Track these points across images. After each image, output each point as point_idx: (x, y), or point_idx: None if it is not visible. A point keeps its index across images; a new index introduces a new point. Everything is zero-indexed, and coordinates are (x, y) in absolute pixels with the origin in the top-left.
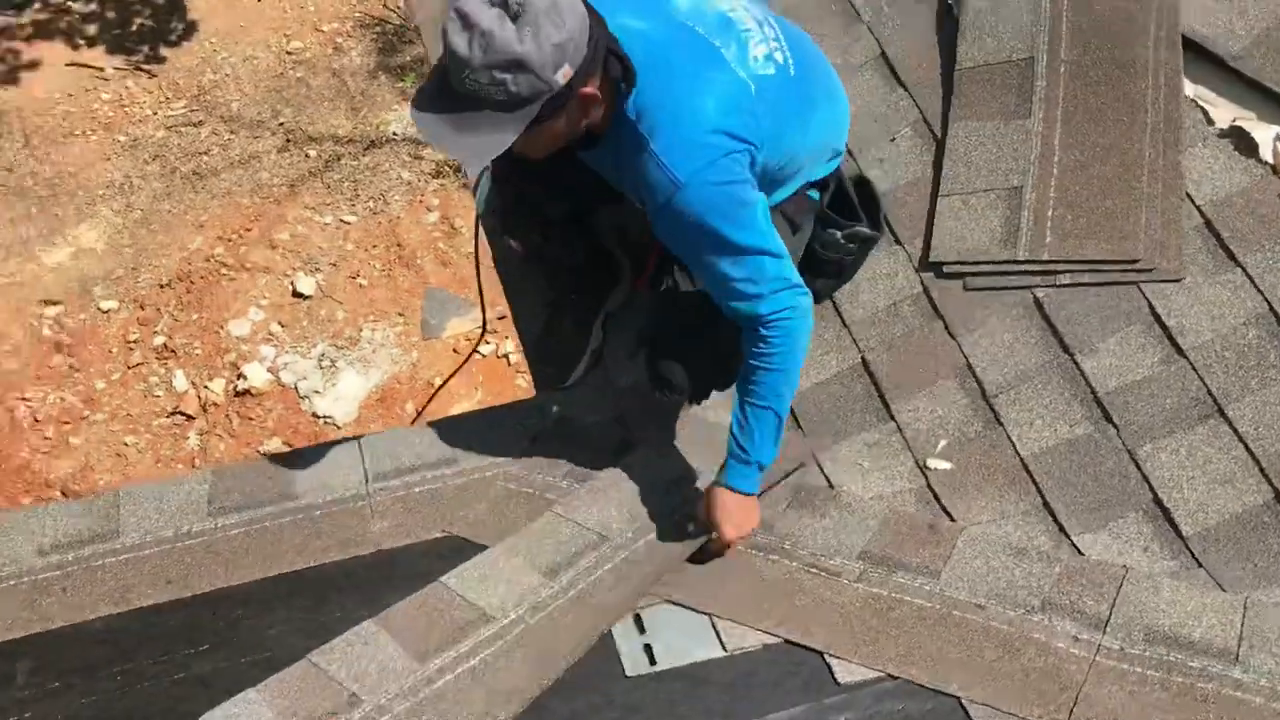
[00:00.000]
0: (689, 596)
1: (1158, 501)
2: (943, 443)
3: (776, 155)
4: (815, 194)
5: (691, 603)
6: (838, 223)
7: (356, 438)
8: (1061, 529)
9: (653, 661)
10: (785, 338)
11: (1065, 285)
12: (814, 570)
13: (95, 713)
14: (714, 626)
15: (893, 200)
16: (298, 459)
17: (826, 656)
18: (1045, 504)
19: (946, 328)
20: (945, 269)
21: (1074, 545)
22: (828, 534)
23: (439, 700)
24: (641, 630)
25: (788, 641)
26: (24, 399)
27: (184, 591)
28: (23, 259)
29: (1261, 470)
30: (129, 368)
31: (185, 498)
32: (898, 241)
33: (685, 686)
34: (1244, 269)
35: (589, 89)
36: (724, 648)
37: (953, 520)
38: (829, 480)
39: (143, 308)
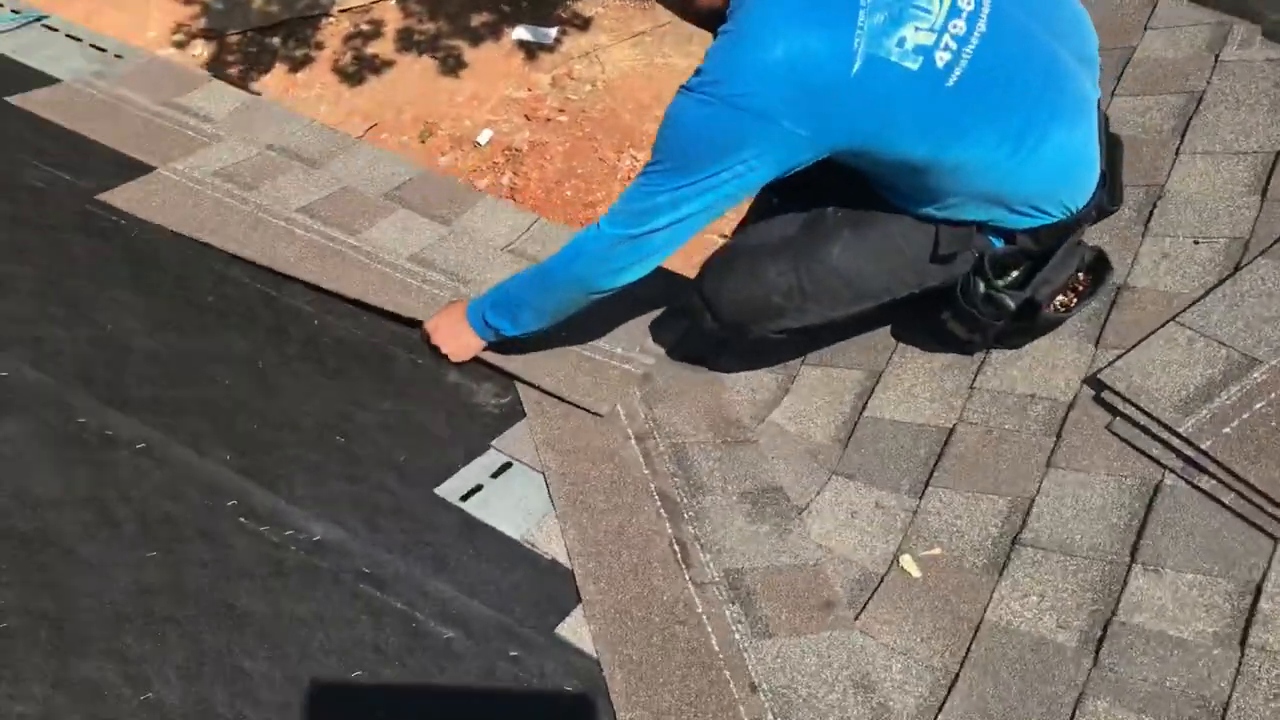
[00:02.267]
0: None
1: None
2: (936, 550)
3: (885, 155)
4: (998, 241)
5: None
6: (986, 274)
7: None
8: None
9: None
10: (572, 245)
11: (1205, 488)
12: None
13: None
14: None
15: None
16: None
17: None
18: None
19: (1051, 450)
20: (1106, 395)
21: None
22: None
23: None
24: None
25: None
26: None
27: None
28: None
29: None
30: None
31: None
32: (1096, 342)
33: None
34: None
35: None
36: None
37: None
38: (796, 504)
39: None
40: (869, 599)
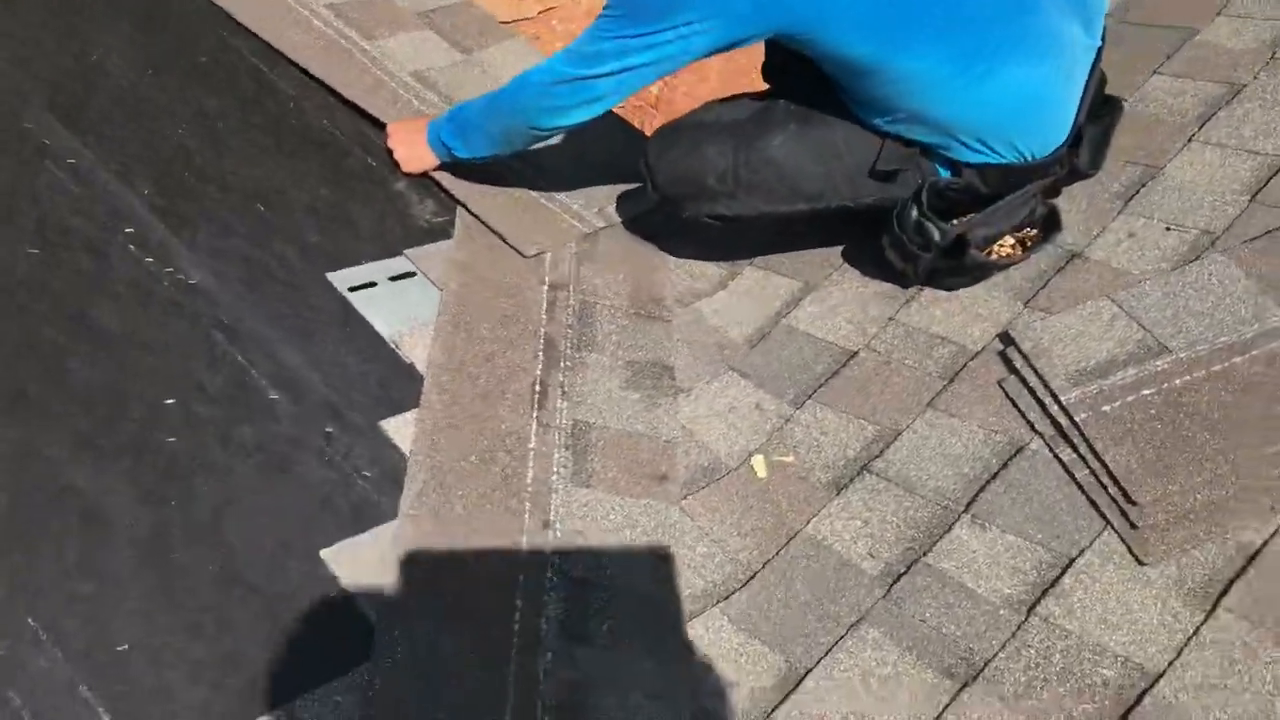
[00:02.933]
0: None
1: None
2: (790, 458)
3: (828, 50)
4: (945, 172)
5: None
6: (921, 200)
7: None
8: None
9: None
10: (523, 76)
11: (1064, 459)
12: None
13: None
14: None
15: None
16: None
17: None
18: None
19: (937, 393)
20: (1010, 351)
21: None
22: None
23: None
24: None
25: None
26: None
27: None
28: None
29: None
30: None
31: None
32: (1027, 302)
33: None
34: None
35: None
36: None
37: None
38: (680, 386)
39: None
40: (706, 486)
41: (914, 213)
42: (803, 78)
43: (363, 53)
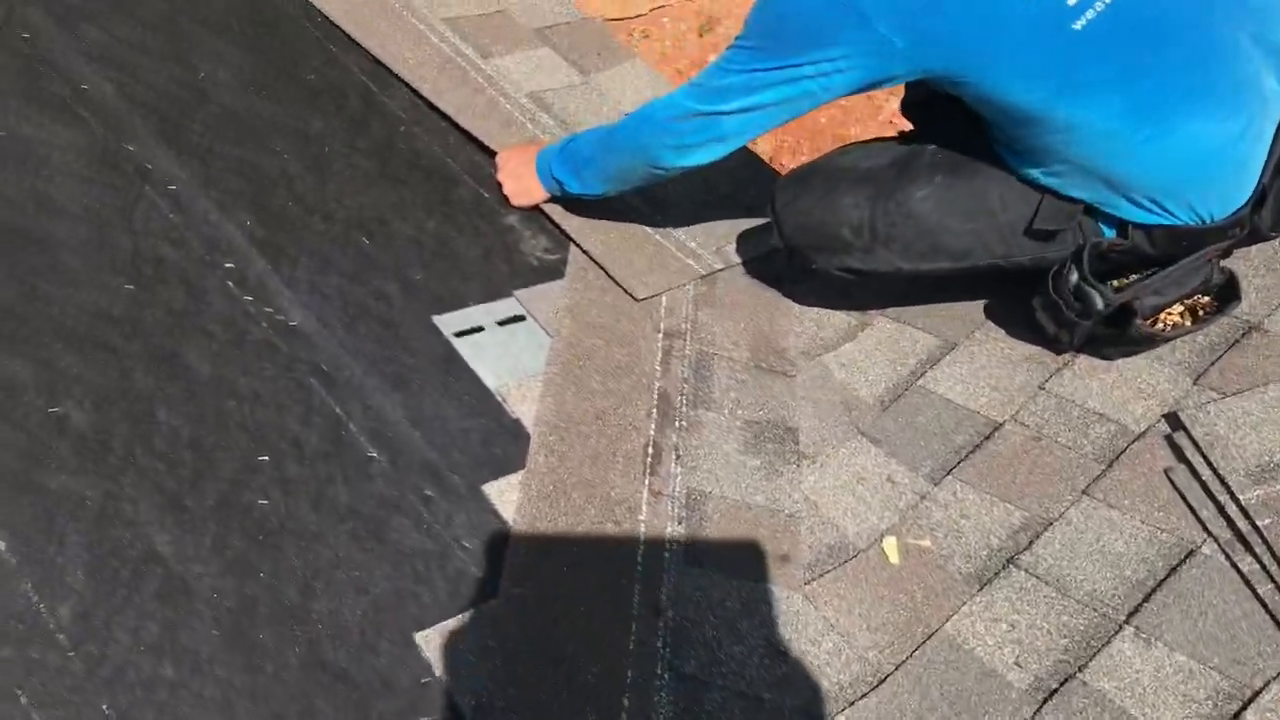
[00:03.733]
0: None
1: None
2: (926, 542)
3: (987, 93)
4: (1109, 231)
5: None
6: (1083, 263)
7: None
8: None
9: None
10: (644, 109)
11: (1244, 570)
12: None
13: None
14: (508, 393)
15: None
16: None
17: None
18: None
19: (1094, 478)
20: (1178, 436)
21: None
22: None
23: None
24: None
25: None
26: None
27: None
28: None
29: None
30: None
31: None
32: (1197, 379)
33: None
34: None
35: None
36: (504, 406)
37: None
38: (804, 451)
39: None
40: (832, 569)
41: (1074, 276)
42: (951, 118)
43: (478, 71)
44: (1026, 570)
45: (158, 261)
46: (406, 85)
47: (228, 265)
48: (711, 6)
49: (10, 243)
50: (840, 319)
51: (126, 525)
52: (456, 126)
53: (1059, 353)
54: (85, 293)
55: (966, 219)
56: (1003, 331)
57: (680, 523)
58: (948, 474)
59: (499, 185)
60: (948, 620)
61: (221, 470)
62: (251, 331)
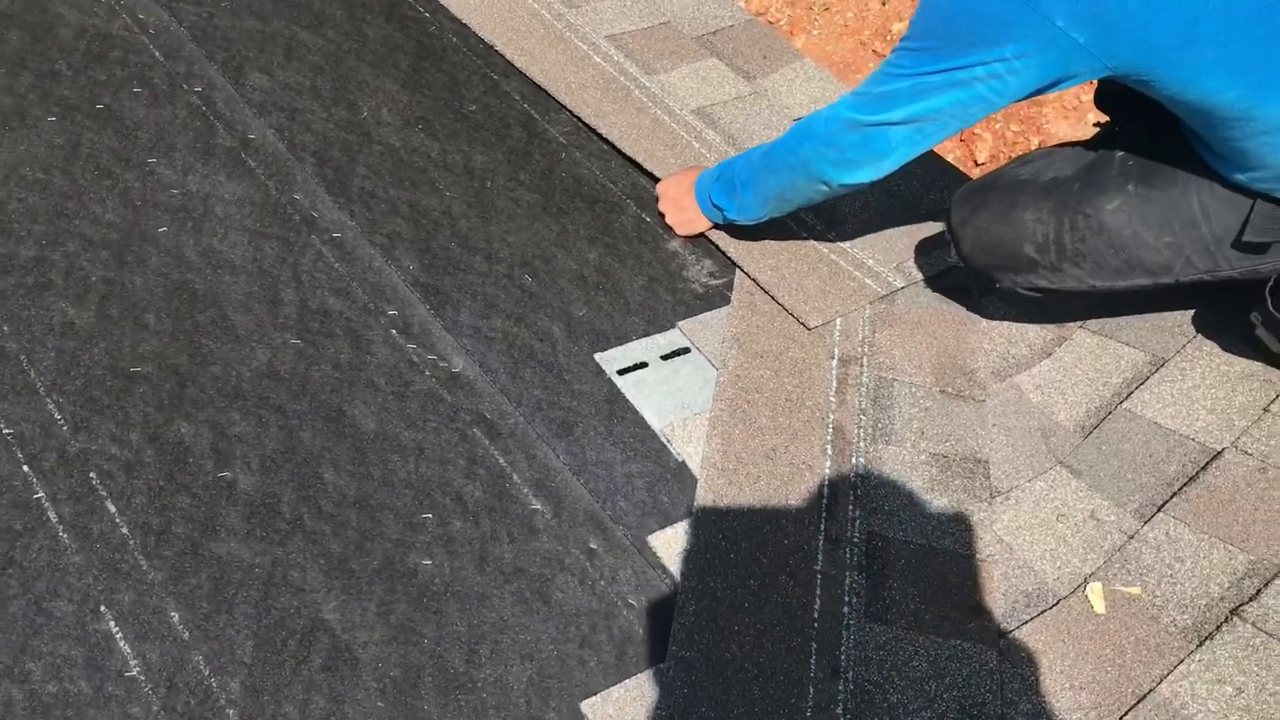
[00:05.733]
0: None
1: None
2: (1136, 589)
3: (1181, 93)
4: None
5: None
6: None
7: None
8: None
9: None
10: (804, 123)
11: None
12: None
13: None
14: (673, 433)
15: None
16: None
17: None
18: None
19: None
20: None
21: None
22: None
23: None
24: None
25: None
26: None
27: None
28: None
29: None
30: None
31: None
32: None
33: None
34: None
35: None
36: (669, 448)
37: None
38: (996, 486)
39: None
40: (1030, 620)
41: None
42: (1148, 108)
43: (642, 90)
44: (1254, 624)
45: (324, 315)
46: (567, 111)
47: (391, 313)
48: None
49: (181, 301)
50: (1034, 333)
51: (294, 593)
52: (619, 150)
53: None
54: (253, 350)
55: (1164, 231)
56: (1216, 345)
57: (860, 572)
58: (1159, 510)
59: (661, 215)
60: (1162, 681)
61: (387, 531)
62: (415, 382)
